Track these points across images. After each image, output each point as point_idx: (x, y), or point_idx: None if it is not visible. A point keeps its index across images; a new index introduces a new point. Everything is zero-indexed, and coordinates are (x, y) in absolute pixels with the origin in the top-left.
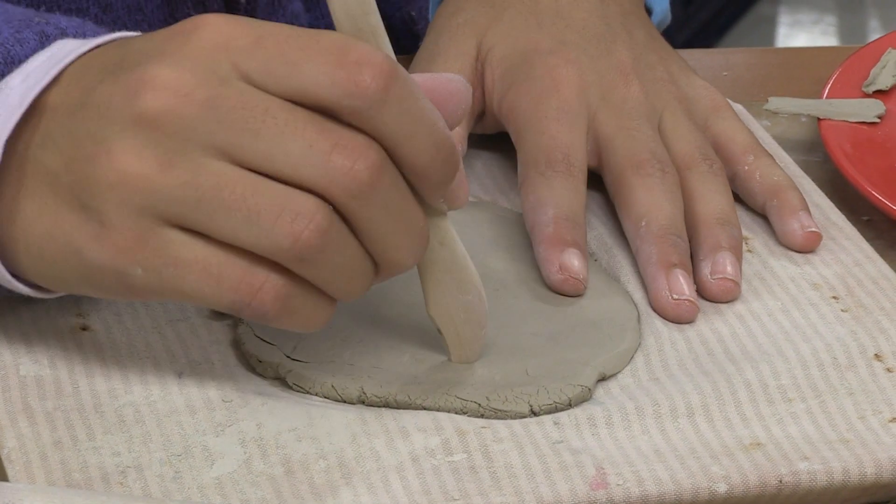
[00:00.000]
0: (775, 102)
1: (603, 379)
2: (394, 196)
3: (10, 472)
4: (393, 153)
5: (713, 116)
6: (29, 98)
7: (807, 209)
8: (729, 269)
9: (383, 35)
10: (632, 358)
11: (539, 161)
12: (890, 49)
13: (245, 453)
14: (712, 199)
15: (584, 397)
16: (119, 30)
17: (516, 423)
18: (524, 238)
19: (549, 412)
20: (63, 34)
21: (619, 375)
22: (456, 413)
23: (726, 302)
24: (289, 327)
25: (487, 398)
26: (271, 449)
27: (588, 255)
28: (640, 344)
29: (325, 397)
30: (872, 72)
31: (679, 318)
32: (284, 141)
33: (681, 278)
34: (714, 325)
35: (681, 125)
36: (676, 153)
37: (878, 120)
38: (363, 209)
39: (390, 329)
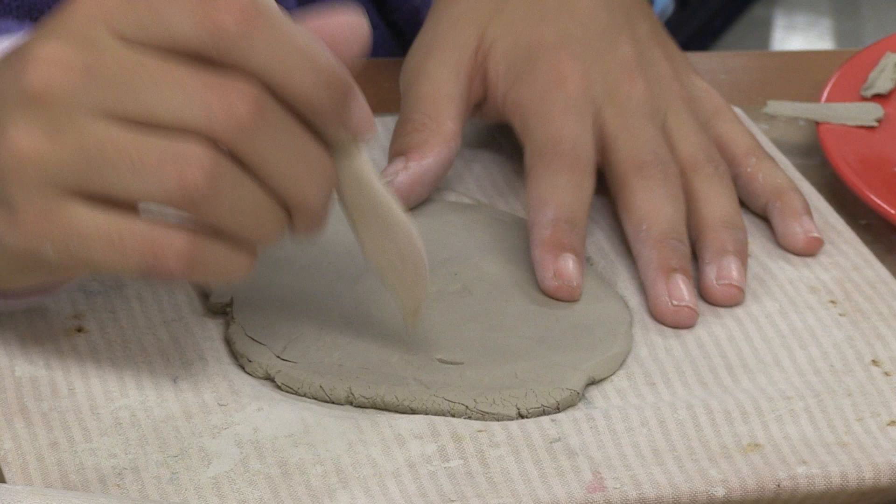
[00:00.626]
0: (774, 106)
1: (592, 383)
2: (282, 131)
3: (6, 474)
4: (273, 88)
5: (715, 118)
6: None
7: (809, 213)
8: (734, 274)
9: None
10: (623, 362)
11: (546, 151)
12: (888, 53)
13: (241, 453)
14: (718, 202)
15: (573, 401)
16: None
17: (513, 424)
18: (521, 241)
19: (537, 415)
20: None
21: (615, 378)
22: (444, 415)
23: (730, 307)
24: (209, 280)
25: (475, 400)
26: (268, 452)
27: (584, 260)
28: (631, 348)
29: (314, 398)
30: (871, 76)
31: (678, 324)
32: (160, 91)
33: (681, 283)
34: (711, 328)
35: (685, 125)
36: (681, 154)
37: (876, 124)
38: (249, 146)
39: (379, 331)
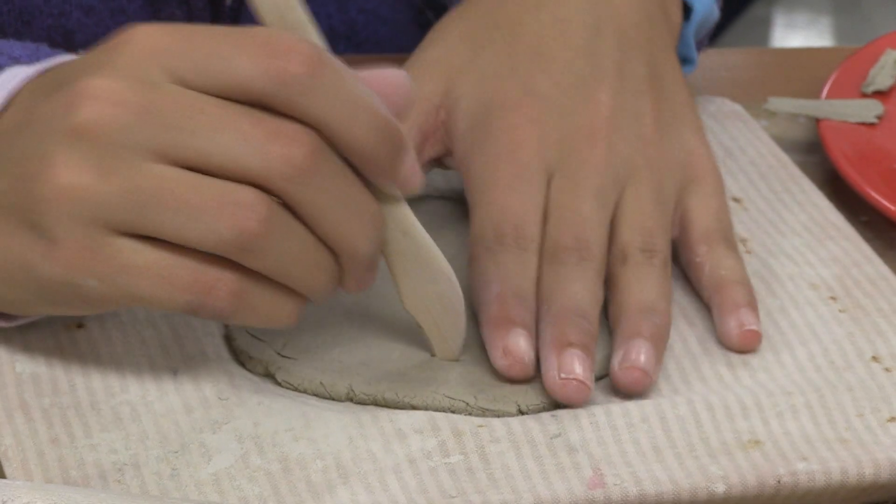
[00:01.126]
0: (774, 103)
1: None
2: (336, 180)
3: (7, 470)
4: (331, 138)
5: (689, 188)
6: None
7: (751, 305)
8: (641, 358)
9: (310, 26)
10: None
11: (486, 235)
12: (888, 50)
13: (242, 448)
14: (637, 288)
15: None
16: (102, 34)
17: (514, 420)
18: None
19: (537, 412)
20: (16, 62)
21: (608, 378)
22: (444, 411)
23: (636, 394)
24: (254, 324)
25: (475, 397)
26: (268, 447)
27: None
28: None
29: (314, 394)
30: (871, 72)
31: (567, 398)
32: (219, 135)
33: (575, 358)
34: (710, 325)
35: (638, 202)
36: (617, 241)
37: (876, 121)
38: (304, 194)
39: (380, 327)
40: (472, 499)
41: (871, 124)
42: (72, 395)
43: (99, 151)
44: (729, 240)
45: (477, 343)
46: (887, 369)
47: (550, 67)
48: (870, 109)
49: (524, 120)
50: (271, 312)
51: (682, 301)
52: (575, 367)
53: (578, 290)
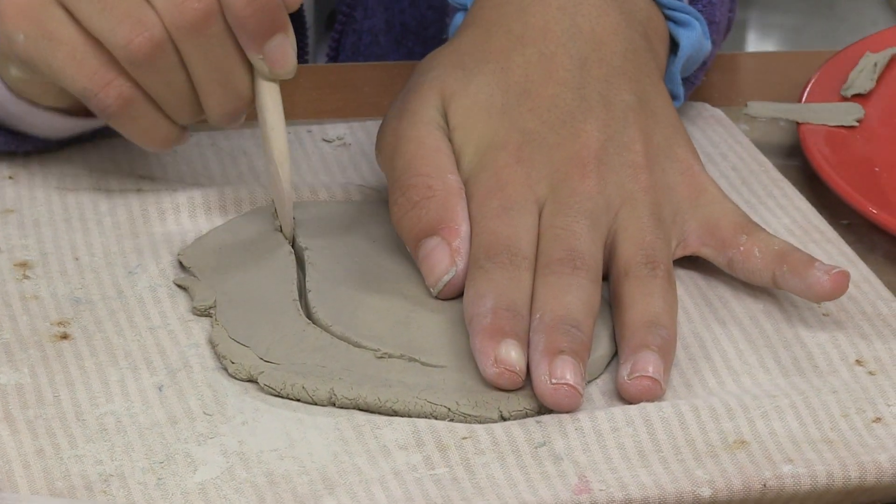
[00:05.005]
0: (754, 107)
1: None
2: (218, 46)
3: None
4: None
5: (694, 203)
6: None
7: (818, 260)
8: (650, 368)
9: None
10: (608, 365)
11: (479, 257)
12: (868, 53)
13: (227, 462)
14: (642, 303)
15: None
16: None
17: (498, 429)
18: None
19: (520, 417)
20: None
21: (599, 381)
22: (426, 418)
23: (648, 401)
24: (132, 136)
25: (458, 402)
26: (254, 464)
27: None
28: (615, 352)
29: (297, 399)
30: (851, 76)
31: (557, 404)
32: None
33: (567, 364)
34: (696, 328)
35: (633, 224)
36: (618, 258)
37: (856, 124)
38: (187, 45)
39: (365, 332)
40: None
41: (852, 127)
42: (56, 407)
43: None
44: (759, 227)
45: (459, 349)
46: (871, 372)
47: (538, 105)
48: (850, 113)
49: (512, 160)
50: (148, 130)
51: None
52: (566, 373)
53: (571, 300)
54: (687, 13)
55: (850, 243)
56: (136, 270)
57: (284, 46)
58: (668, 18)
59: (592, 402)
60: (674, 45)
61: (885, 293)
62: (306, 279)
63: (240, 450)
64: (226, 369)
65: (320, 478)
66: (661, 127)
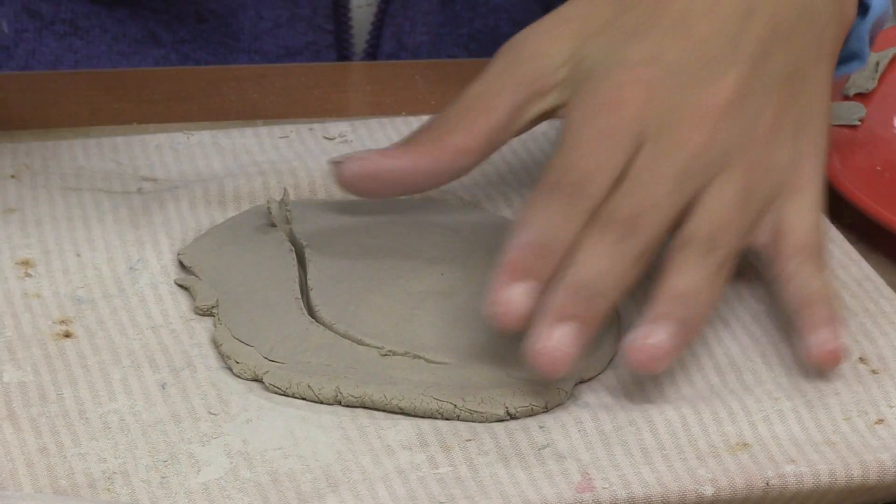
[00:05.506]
0: None
1: (581, 382)
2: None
3: None
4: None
5: (785, 196)
6: None
7: (833, 323)
8: (658, 336)
9: None
10: (611, 361)
11: (549, 180)
12: (870, 52)
13: (231, 463)
14: (684, 275)
15: (561, 400)
16: None
17: (501, 432)
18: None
19: (526, 415)
20: None
21: (603, 377)
22: (432, 415)
23: (647, 373)
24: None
25: (463, 399)
26: (258, 463)
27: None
28: (618, 348)
29: (302, 397)
30: (852, 75)
31: (540, 367)
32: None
33: (569, 334)
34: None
35: (717, 197)
36: (685, 226)
37: (858, 123)
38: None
39: (369, 330)
40: None
41: (854, 126)
42: (59, 405)
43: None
44: (820, 257)
45: (464, 345)
46: (874, 371)
47: (687, 38)
48: (852, 112)
49: (637, 80)
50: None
51: None
52: (564, 340)
53: (606, 266)
54: None
55: (852, 242)
56: (137, 266)
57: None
58: None
59: (598, 395)
60: (863, 7)
61: (888, 292)
62: (307, 277)
63: (244, 449)
64: (230, 369)
65: (324, 476)
66: (800, 108)
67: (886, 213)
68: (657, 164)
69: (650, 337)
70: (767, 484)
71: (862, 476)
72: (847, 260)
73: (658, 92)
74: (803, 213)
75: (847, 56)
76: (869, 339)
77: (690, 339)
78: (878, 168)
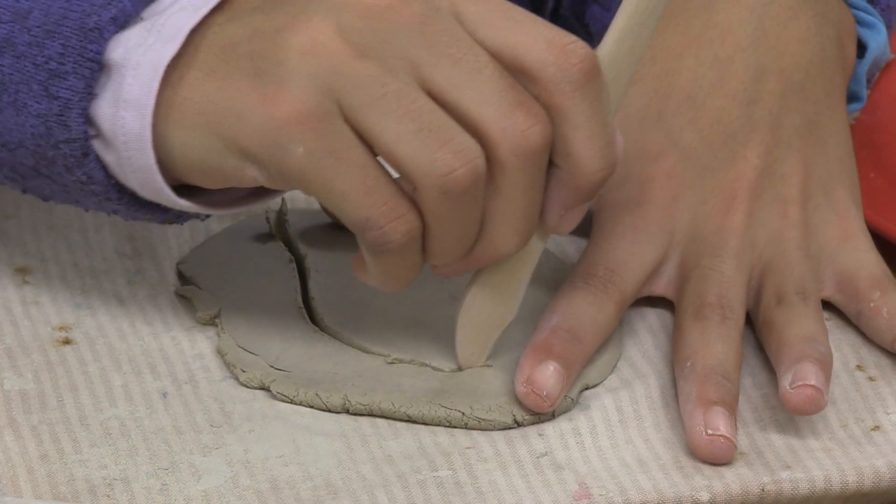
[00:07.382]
0: None
1: (586, 388)
2: (536, 181)
3: None
4: (564, 141)
5: (840, 247)
6: None
7: None
8: (812, 378)
9: None
10: (615, 367)
11: (578, 274)
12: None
13: (232, 471)
14: (798, 324)
15: (568, 407)
16: None
17: (501, 440)
18: None
19: (533, 423)
20: None
21: (607, 382)
22: (440, 422)
23: (812, 414)
24: (383, 272)
25: (471, 407)
26: (258, 470)
27: (575, 376)
28: (621, 354)
29: (310, 405)
30: None
31: (713, 456)
32: (478, 79)
33: (720, 415)
34: None
35: (781, 259)
36: (767, 291)
37: (852, 121)
38: (513, 174)
39: (374, 338)
40: None
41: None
42: (60, 411)
43: (363, 33)
44: (894, 282)
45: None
46: (871, 378)
47: (700, 117)
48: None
49: (661, 174)
50: (407, 269)
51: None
52: (720, 425)
53: (722, 350)
54: (871, 14)
55: None
56: (134, 279)
57: (580, 215)
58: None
59: (600, 399)
60: (860, 49)
61: None
62: (310, 286)
63: (245, 458)
64: (236, 378)
65: (324, 483)
66: (826, 158)
67: (881, 219)
68: (712, 251)
69: (804, 376)
70: (763, 489)
71: (857, 482)
72: None
73: (682, 184)
74: (862, 255)
75: (847, 97)
76: (867, 346)
77: (830, 375)
78: (872, 175)
